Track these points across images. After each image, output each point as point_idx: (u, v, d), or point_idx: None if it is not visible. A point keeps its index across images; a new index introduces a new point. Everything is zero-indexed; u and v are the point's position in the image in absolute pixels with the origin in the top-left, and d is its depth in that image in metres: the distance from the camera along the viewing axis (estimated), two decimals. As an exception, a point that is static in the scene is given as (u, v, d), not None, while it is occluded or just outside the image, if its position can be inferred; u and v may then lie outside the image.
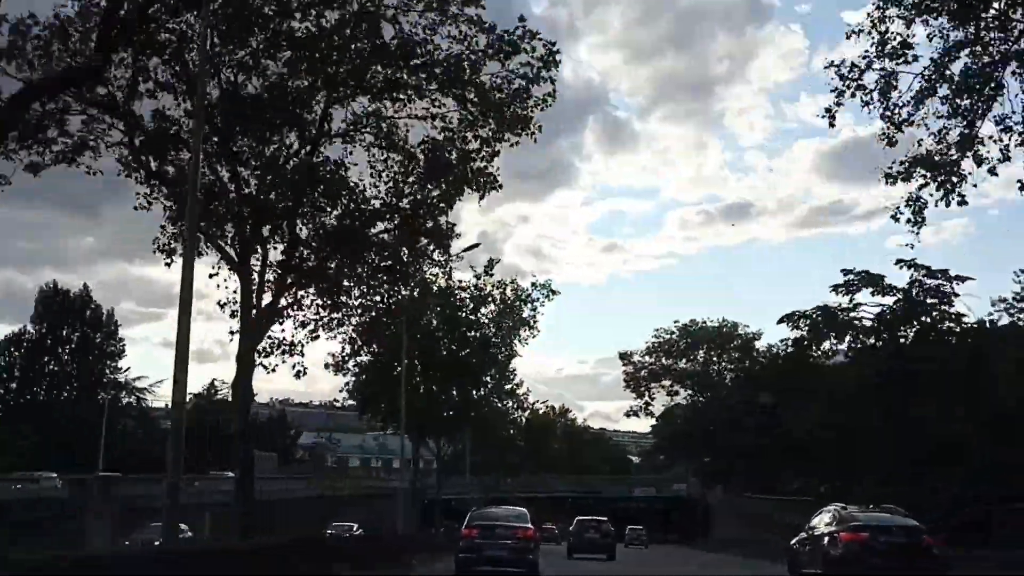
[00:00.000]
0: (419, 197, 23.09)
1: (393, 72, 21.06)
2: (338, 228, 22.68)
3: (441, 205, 23.10)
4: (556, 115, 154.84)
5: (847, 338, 43.24)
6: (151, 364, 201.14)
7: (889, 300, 41.42)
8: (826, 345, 44.84)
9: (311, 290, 23.97)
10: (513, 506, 28.77)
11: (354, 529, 44.98)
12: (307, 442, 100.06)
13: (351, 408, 57.96)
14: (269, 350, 23.39)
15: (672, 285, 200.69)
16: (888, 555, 17.82)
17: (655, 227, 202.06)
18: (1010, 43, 17.67)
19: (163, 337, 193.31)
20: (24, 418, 58.20)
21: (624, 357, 78.87)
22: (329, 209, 22.76)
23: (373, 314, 26.52)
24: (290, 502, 51.41)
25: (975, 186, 17.96)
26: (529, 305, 49.31)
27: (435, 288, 42.27)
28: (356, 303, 24.96)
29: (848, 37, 18.46)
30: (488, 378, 51.81)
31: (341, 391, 49.77)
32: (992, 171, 17.76)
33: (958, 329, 40.63)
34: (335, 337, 27.42)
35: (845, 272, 42.36)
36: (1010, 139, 17.48)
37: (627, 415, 79.27)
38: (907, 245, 19.44)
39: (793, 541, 21.93)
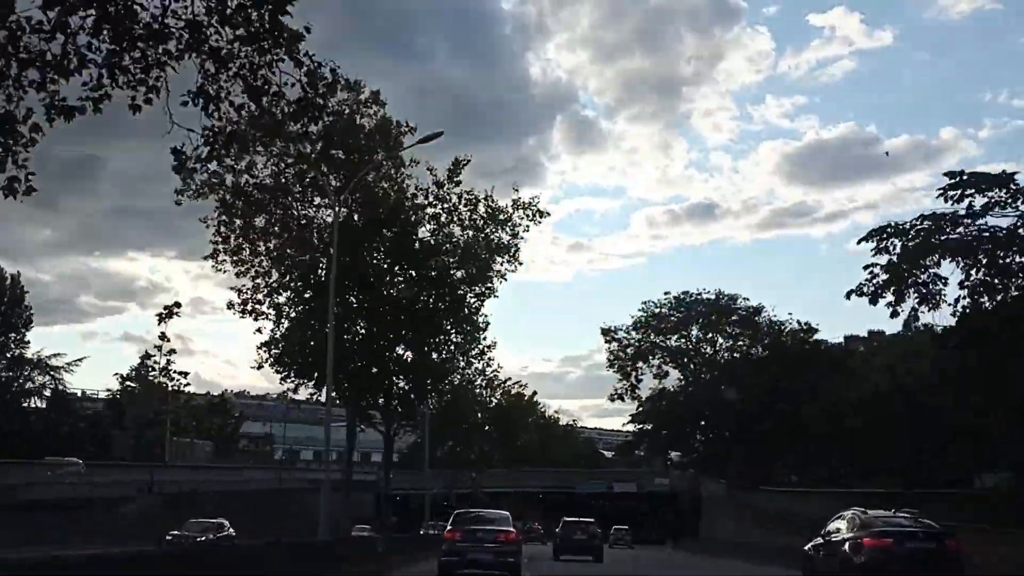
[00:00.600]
0: None
1: None
2: None
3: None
4: (524, 114, 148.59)
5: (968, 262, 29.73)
6: (112, 358, 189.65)
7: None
8: (905, 306, 30.97)
9: None
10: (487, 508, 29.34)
11: (221, 530, 32.90)
12: (256, 432, 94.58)
13: (319, 404, 46.73)
14: None
15: (639, 284, 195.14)
16: (913, 561, 17.21)
17: (621, 226, 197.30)
18: None
19: (123, 331, 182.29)
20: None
21: (607, 333, 69.37)
22: None
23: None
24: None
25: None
26: (509, 226, 38.59)
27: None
28: None
29: None
30: (453, 332, 41.04)
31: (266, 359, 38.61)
32: None
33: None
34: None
35: (951, 175, 30.26)
36: None
37: (611, 399, 69.56)
38: None
39: (808, 546, 20.87)
